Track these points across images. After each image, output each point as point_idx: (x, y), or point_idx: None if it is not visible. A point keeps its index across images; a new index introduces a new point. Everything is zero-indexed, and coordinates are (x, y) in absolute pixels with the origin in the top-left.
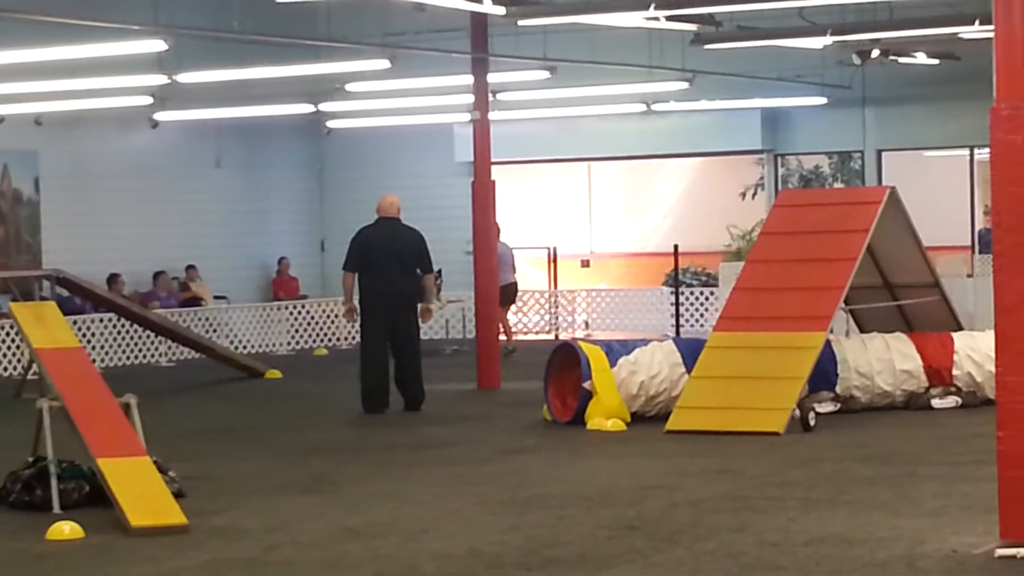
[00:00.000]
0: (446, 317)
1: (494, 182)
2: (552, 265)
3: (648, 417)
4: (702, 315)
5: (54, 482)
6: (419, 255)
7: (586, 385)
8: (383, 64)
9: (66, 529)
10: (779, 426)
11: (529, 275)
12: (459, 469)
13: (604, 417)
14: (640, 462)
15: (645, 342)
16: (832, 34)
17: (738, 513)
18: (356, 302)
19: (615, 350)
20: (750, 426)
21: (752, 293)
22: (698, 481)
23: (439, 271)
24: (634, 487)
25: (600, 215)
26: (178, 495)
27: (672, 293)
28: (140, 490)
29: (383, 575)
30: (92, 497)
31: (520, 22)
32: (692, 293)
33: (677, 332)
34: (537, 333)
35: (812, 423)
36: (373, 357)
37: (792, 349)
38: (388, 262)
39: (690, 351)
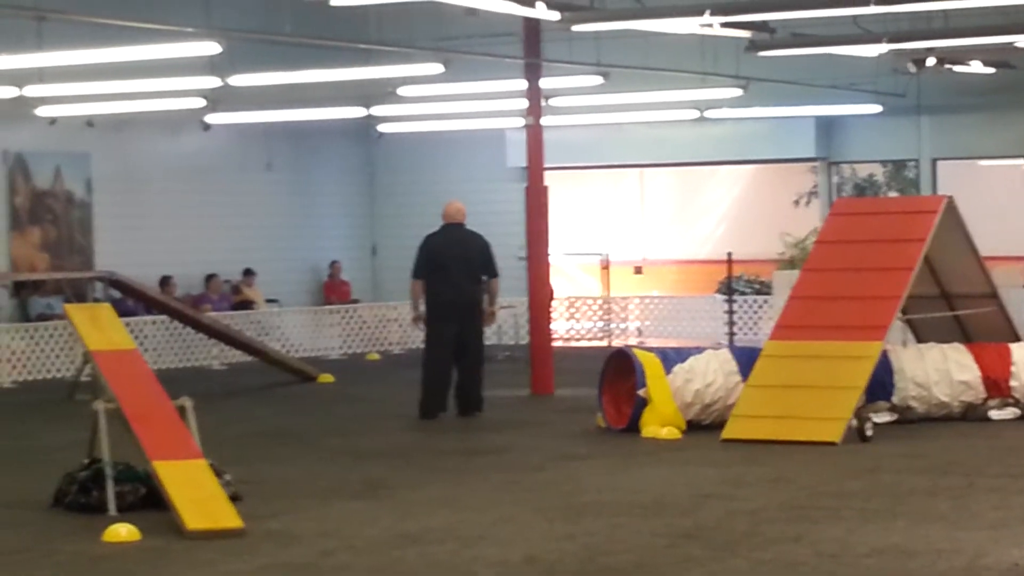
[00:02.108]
0: (498, 323)
1: (547, 188)
2: (605, 272)
3: (703, 425)
4: (755, 323)
5: (110, 484)
6: (486, 261)
7: (641, 392)
8: (436, 68)
9: (123, 531)
10: (836, 436)
11: (581, 281)
12: (514, 475)
13: (659, 425)
14: (695, 470)
15: (700, 350)
16: (887, 42)
17: (795, 523)
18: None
19: (670, 358)
20: (806, 435)
21: (808, 302)
22: (754, 490)
23: None
24: (690, 495)
25: (652, 222)
26: (233, 498)
27: (725, 301)
28: (196, 493)
29: None
30: (147, 500)
31: (574, 27)
32: (745, 301)
33: (730, 340)
34: (590, 340)
35: (869, 433)
36: (438, 364)
37: (849, 358)
38: (456, 269)
39: (746, 359)
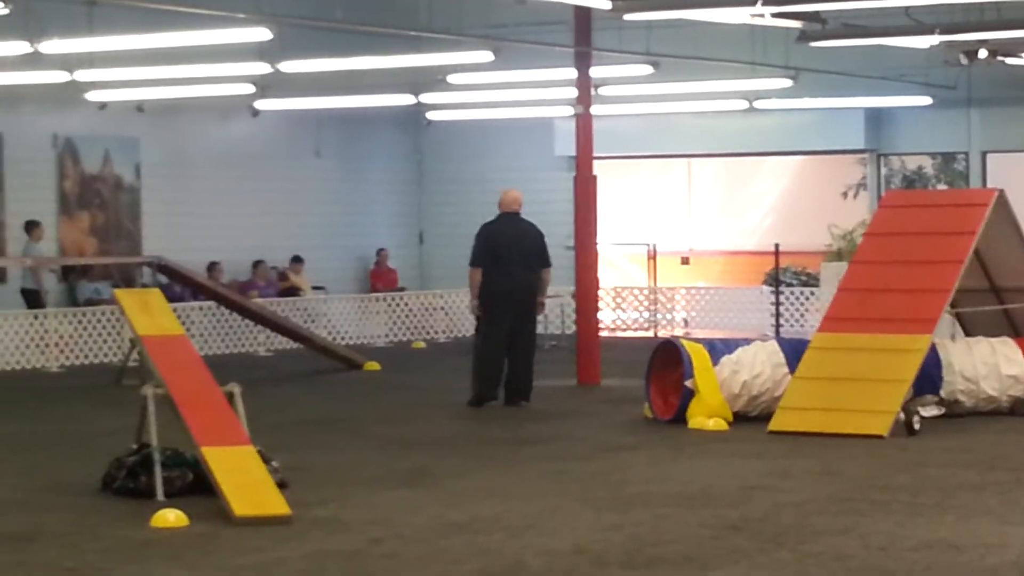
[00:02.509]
0: (545, 313)
1: (596, 177)
2: (652, 262)
3: (749, 417)
4: (801, 315)
5: (158, 470)
6: (541, 251)
7: (688, 383)
8: (487, 56)
9: (171, 517)
10: (883, 429)
11: (627, 271)
12: (561, 465)
13: (706, 416)
14: (742, 462)
15: (748, 341)
16: (939, 33)
17: (843, 516)
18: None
19: (718, 349)
20: (853, 428)
21: (857, 294)
22: (801, 482)
23: None
24: (737, 487)
25: (699, 212)
26: (281, 485)
27: (772, 292)
28: (244, 479)
29: (488, 571)
30: (195, 485)
31: (626, 16)
32: (792, 293)
33: (776, 332)
34: (636, 330)
35: (916, 427)
36: (493, 353)
37: (897, 351)
38: (513, 259)
39: (793, 351)
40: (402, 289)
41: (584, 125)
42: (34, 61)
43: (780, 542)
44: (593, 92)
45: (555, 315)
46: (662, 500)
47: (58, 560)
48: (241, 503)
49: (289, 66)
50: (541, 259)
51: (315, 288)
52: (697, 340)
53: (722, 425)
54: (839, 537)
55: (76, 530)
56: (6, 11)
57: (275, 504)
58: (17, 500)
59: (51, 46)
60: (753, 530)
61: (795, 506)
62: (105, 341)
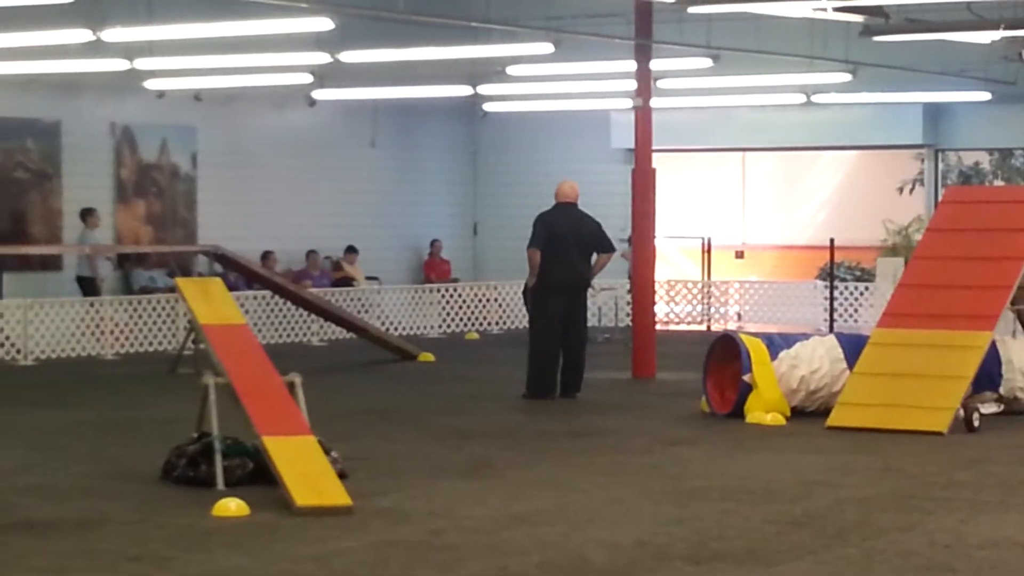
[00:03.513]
0: (598, 305)
1: (655, 170)
2: (706, 255)
3: (807, 412)
4: (855, 310)
5: (218, 459)
6: (600, 238)
7: (746, 378)
8: (547, 48)
9: (232, 506)
10: (943, 426)
11: (680, 265)
12: (619, 458)
13: (764, 411)
14: (802, 457)
15: (806, 336)
16: (1004, 29)
17: (906, 513)
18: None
19: (776, 343)
20: (913, 425)
21: (917, 290)
22: (862, 479)
23: None
24: (798, 482)
25: (753, 206)
26: (341, 476)
27: (826, 287)
28: (305, 469)
29: (551, 563)
30: (255, 475)
31: (689, 9)
32: (846, 288)
33: (831, 327)
34: (689, 323)
35: (976, 424)
36: (548, 343)
37: (957, 348)
38: (570, 248)
39: (852, 347)
40: (455, 280)
41: (643, 118)
42: (95, 49)
43: (844, 538)
44: (652, 85)
45: (608, 308)
46: (723, 495)
47: (123, 548)
48: (302, 493)
49: (349, 56)
50: (602, 245)
51: (369, 278)
52: (755, 334)
53: (780, 420)
54: (903, 534)
55: (139, 518)
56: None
57: (336, 494)
58: (80, 487)
59: (113, 34)
60: (816, 526)
61: (857, 502)
62: (160, 329)
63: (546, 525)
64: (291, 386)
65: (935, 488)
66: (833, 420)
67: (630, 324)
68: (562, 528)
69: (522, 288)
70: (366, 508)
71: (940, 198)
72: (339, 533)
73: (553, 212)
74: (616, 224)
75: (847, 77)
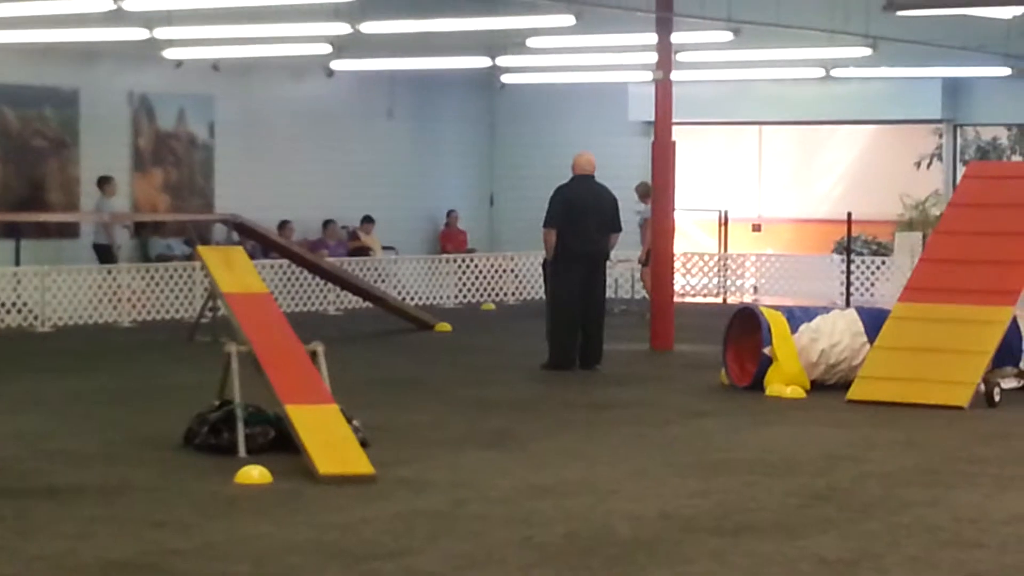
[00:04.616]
0: (615, 277)
1: (674, 143)
2: (723, 228)
3: (827, 386)
4: (872, 284)
5: (241, 426)
6: (613, 215)
7: (766, 351)
8: (568, 20)
9: (255, 473)
10: (963, 400)
11: (696, 237)
12: (641, 430)
13: (783, 383)
14: (823, 431)
15: (827, 310)
16: None
17: (930, 487)
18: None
19: (796, 316)
20: (934, 399)
21: (939, 265)
22: (885, 453)
23: None
24: (820, 456)
25: (770, 179)
26: (363, 444)
27: (842, 261)
28: (328, 438)
29: (577, 535)
30: (277, 443)
31: None
32: (863, 262)
33: (847, 301)
34: (705, 296)
35: (997, 399)
36: (568, 316)
37: (978, 323)
38: (589, 222)
39: (873, 321)
40: (472, 251)
41: (664, 91)
42: (115, 18)
43: (868, 512)
44: (672, 58)
45: (625, 279)
46: (746, 467)
47: (147, 514)
48: (325, 461)
49: (369, 27)
50: (612, 224)
51: (385, 248)
52: (776, 307)
53: (800, 393)
54: (928, 509)
55: (162, 484)
56: None
57: (359, 463)
58: (103, 454)
59: (132, 3)
60: (840, 500)
61: (881, 476)
62: (177, 297)
63: (570, 496)
64: (313, 355)
65: (958, 463)
66: (853, 394)
67: (645, 296)
68: (587, 499)
69: (541, 261)
70: (389, 477)
71: (962, 173)
72: (363, 502)
73: (571, 185)
74: (632, 196)
75: (867, 51)
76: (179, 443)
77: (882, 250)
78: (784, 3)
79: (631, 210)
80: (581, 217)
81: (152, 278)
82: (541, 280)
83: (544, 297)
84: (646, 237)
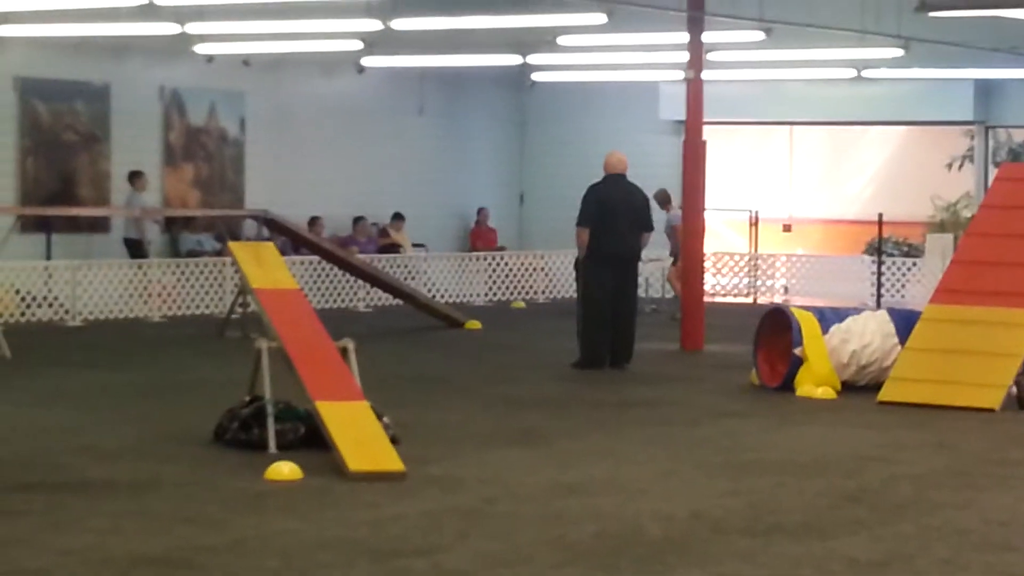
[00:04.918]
0: (645, 276)
1: (705, 142)
2: (753, 228)
3: (858, 387)
4: (903, 286)
5: (271, 422)
6: (646, 213)
7: (797, 351)
8: (599, 19)
9: (285, 470)
10: (995, 403)
11: (726, 237)
12: (670, 430)
13: (814, 384)
14: (854, 432)
15: (858, 311)
16: None
17: (961, 490)
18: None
19: (827, 317)
20: (965, 401)
21: (971, 266)
22: (916, 455)
23: None
24: (850, 457)
25: (800, 180)
26: (393, 441)
27: (873, 262)
28: (358, 435)
29: (606, 534)
30: (307, 439)
31: None
32: (893, 263)
33: (878, 302)
34: (735, 296)
35: None
36: (600, 315)
37: (1010, 325)
38: (621, 221)
39: (904, 322)
40: (502, 249)
41: (695, 90)
42: (146, 13)
43: (899, 514)
44: (703, 57)
45: (656, 279)
46: (776, 468)
47: (177, 510)
48: (356, 458)
49: (400, 23)
50: (644, 223)
51: (415, 245)
52: (806, 308)
53: (830, 394)
54: (959, 511)
55: (192, 480)
56: None
57: (389, 460)
58: (133, 448)
59: None
60: (871, 501)
61: (912, 478)
62: (207, 292)
63: (600, 495)
64: (344, 351)
65: (989, 465)
66: (884, 395)
67: (674, 295)
68: (616, 499)
69: (573, 260)
70: (419, 475)
71: (994, 175)
72: (393, 499)
73: (603, 184)
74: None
75: (899, 52)
76: (209, 439)
77: (913, 252)
78: (816, 3)
79: (657, 212)
80: (613, 216)
81: (183, 273)
82: (572, 279)
83: (575, 296)
84: (675, 241)
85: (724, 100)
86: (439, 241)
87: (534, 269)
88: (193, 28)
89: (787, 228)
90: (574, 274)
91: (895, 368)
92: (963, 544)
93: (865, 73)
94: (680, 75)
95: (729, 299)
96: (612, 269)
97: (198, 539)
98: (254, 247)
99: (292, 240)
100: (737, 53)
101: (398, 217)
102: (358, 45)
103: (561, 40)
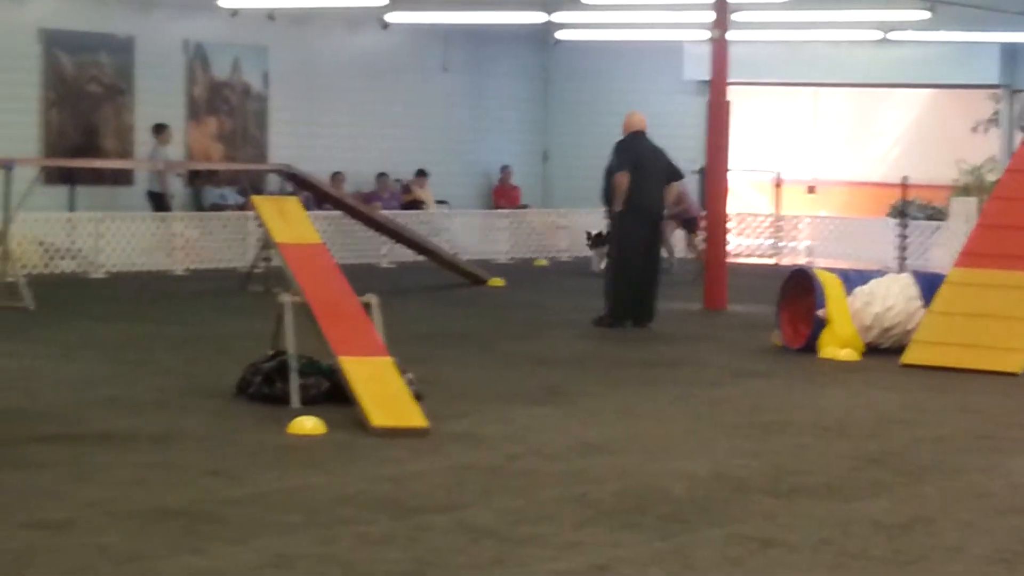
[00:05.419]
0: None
1: (729, 103)
2: (777, 189)
3: (881, 349)
4: (927, 249)
5: (294, 377)
6: (671, 168)
7: (820, 313)
8: None
9: (308, 424)
10: (1018, 367)
11: (750, 198)
12: (692, 389)
13: (837, 346)
14: (877, 394)
15: (881, 273)
16: None
17: (984, 453)
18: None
19: (851, 279)
20: (987, 365)
21: (995, 230)
22: (938, 417)
23: None
24: (873, 419)
25: (825, 142)
26: (416, 397)
27: (897, 225)
28: (381, 390)
29: (629, 492)
30: (330, 394)
31: None
32: (916, 226)
33: (900, 265)
34: (759, 257)
35: None
36: (633, 271)
37: None
38: (650, 176)
39: (928, 285)
40: (525, 206)
41: (719, 50)
42: None
43: (921, 477)
44: (729, 17)
45: (678, 238)
46: (798, 429)
47: (200, 463)
48: (379, 414)
49: None
50: (674, 173)
51: (438, 202)
52: (830, 270)
53: (854, 356)
54: (981, 474)
55: (215, 433)
56: None
57: (413, 416)
58: (156, 401)
59: None
60: (893, 464)
61: (934, 441)
62: (229, 246)
63: (622, 454)
64: (368, 307)
65: (1012, 429)
66: (907, 358)
67: (691, 256)
68: (638, 457)
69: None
70: (441, 431)
71: (1019, 139)
72: (416, 455)
73: (632, 140)
74: (686, 156)
75: (925, 15)
76: (232, 392)
77: (937, 215)
78: None
79: (686, 170)
80: (645, 173)
81: (206, 227)
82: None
83: (589, 255)
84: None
85: (749, 61)
86: (462, 198)
87: (557, 227)
88: None
89: (811, 190)
90: (607, 229)
91: (918, 331)
92: (985, 507)
93: (891, 35)
94: (705, 35)
95: (753, 260)
96: (646, 227)
97: (221, 492)
98: (278, 201)
99: (315, 195)
100: (763, 14)
101: (421, 174)
102: (383, 1)
103: None
